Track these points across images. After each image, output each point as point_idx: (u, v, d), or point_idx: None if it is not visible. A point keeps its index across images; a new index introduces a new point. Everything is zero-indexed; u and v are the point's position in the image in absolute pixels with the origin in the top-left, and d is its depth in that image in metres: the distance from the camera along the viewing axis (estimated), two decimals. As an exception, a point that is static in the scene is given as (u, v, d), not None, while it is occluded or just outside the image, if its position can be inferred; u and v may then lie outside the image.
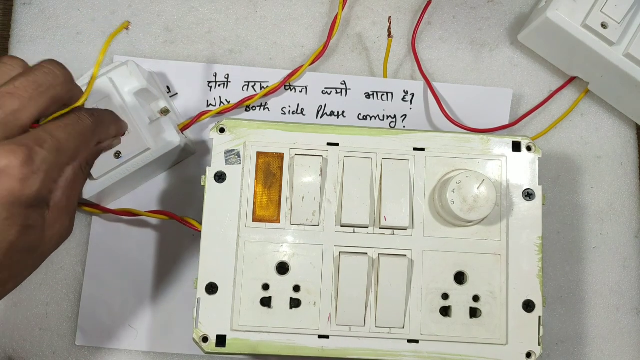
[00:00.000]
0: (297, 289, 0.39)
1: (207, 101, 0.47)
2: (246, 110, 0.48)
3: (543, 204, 0.40)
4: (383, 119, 0.48)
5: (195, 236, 0.45)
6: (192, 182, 0.46)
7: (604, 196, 0.48)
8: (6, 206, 0.29)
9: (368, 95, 0.48)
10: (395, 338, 0.39)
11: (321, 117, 0.48)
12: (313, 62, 0.46)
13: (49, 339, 0.45)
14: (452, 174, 0.39)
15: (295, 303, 0.39)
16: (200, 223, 0.39)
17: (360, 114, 0.48)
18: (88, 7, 0.48)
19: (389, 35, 0.46)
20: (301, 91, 0.48)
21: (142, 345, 0.44)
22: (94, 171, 0.41)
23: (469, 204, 0.38)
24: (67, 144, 0.32)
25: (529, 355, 0.39)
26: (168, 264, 0.45)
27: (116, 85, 0.42)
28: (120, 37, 0.48)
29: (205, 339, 0.38)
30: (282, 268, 0.39)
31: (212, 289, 0.38)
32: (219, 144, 0.40)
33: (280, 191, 0.40)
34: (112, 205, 0.45)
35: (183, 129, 0.45)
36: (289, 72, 0.47)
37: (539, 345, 0.39)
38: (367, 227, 0.40)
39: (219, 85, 0.48)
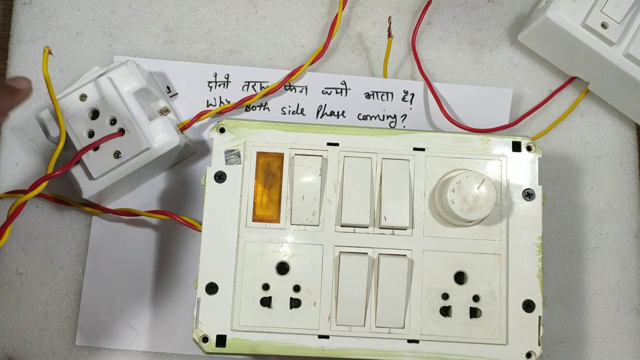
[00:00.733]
0: (297, 289, 0.39)
1: (207, 101, 0.47)
2: (246, 110, 0.48)
3: (543, 204, 0.40)
4: (383, 119, 0.48)
5: (195, 236, 0.45)
6: (192, 182, 0.46)
7: (604, 196, 0.48)
8: None
9: (368, 95, 0.48)
10: (395, 338, 0.39)
11: (321, 117, 0.48)
12: (313, 62, 0.46)
13: (49, 339, 0.45)
14: (452, 174, 0.39)
15: (295, 303, 0.39)
16: (200, 223, 0.39)
17: (360, 114, 0.48)
18: (88, 7, 0.48)
19: (389, 35, 0.46)
20: (301, 91, 0.48)
21: (142, 345, 0.44)
22: (93, 171, 0.41)
23: (469, 204, 0.38)
24: None
25: (529, 355, 0.39)
26: (168, 264, 0.45)
27: (116, 85, 0.42)
28: (121, 37, 0.48)
29: (205, 339, 0.38)
30: (282, 268, 0.39)
31: (212, 289, 0.38)
32: (219, 144, 0.40)
33: (280, 191, 0.40)
34: (112, 205, 0.45)
35: (183, 128, 0.45)
36: (289, 72, 0.47)
37: (539, 345, 0.39)
38: (367, 227, 0.40)
39: (219, 85, 0.48)
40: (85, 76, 0.44)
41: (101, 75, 0.42)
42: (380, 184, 0.40)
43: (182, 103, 0.47)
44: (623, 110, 0.49)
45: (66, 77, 0.47)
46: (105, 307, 0.45)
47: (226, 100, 0.47)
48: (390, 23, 0.46)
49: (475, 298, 0.39)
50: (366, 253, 0.39)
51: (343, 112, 0.48)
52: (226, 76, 0.48)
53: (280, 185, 0.40)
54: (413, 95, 0.48)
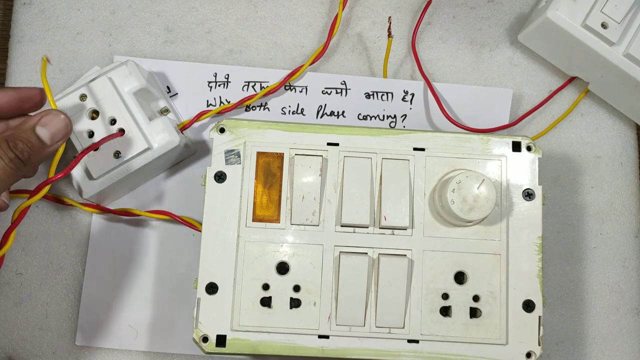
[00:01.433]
0: (297, 289, 0.39)
1: (207, 101, 0.47)
2: (246, 110, 0.48)
3: (543, 204, 0.40)
4: (383, 119, 0.48)
5: (195, 236, 0.45)
6: (192, 182, 0.46)
7: (604, 196, 0.48)
8: None
9: (368, 95, 0.48)
10: (395, 338, 0.39)
11: (321, 117, 0.48)
12: (313, 62, 0.46)
13: (49, 339, 0.45)
14: (452, 174, 0.39)
15: (295, 303, 0.39)
16: (200, 223, 0.39)
17: (360, 114, 0.48)
18: (88, 7, 0.48)
19: (389, 35, 0.46)
20: (301, 91, 0.48)
21: (142, 345, 0.44)
22: (93, 171, 0.41)
23: (469, 203, 0.38)
24: None
25: (529, 355, 0.39)
26: (168, 264, 0.45)
27: (116, 85, 0.42)
28: (121, 37, 0.48)
29: (205, 339, 0.38)
30: (282, 268, 0.39)
31: (212, 289, 0.38)
32: (219, 144, 0.40)
33: (280, 191, 0.40)
34: (112, 205, 0.45)
35: (183, 128, 0.45)
36: (289, 72, 0.47)
37: (539, 345, 0.39)
38: (367, 227, 0.40)
39: (219, 85, 0.48)
40: (85, 76, 0.44)
41: (101, 75, 0.42)
42: (380, 184, 0.40)
43: (182, 103, 0.47)
44: (623, 110, 0.49)
45: (66, 77, 0.47)
46: (105, 307, 0.45)
47: (226, 100, 0.47)
48: (390, 23, 0.46)
49: (475, 298, 0.39)
50: (366, 253, 0.39)
51: (343, 112, 0.48)
52: (226, 76, 0.48)
53: (280, 185, 0.40)
54: (413, 95, 0.48)
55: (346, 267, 0.39)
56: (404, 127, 0.48)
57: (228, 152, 0.40)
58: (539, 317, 0.39)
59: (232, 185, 0.40)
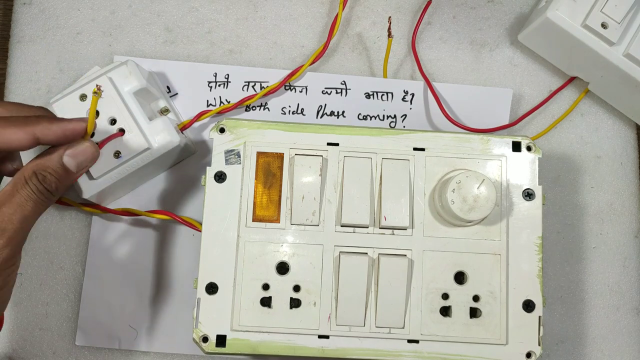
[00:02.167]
0: (297, 289, 0.39)
1: (207, 101, 0.47)
2: (246, 110, 0.48)
3: (543, 204, 0.40)
4: (383, 119, 0.48)
5: (195, 236, 0.45)
6: (192, 182, 0.46)
7: (604, 196, 0.48)
8: None
9: (368, 95, 0.48)
10: (395, 338, 0.39)
11: (321, 117, 0.48)
12: (313, 62, 0.46)
13: (49, 339, 0.45)
14: (452, 174, 0.39)
15: (295, 303, 0.39)
16: (200, 223, 0.39)
17: (360, 114, 0.48)
18: (88, 7, 0.48)
19: (389, 35, 0.46)
20: (301, 91, 0.48)
21: (142, 345, 0.44)
22: (93, 171, 0.41)
23: (469, 203, 0.38)
24: (5, 226, 0.33)
25: (529, 355, 0.39)
26: (168, 264, 0.45)
27: (116, 85, 0.42)
28: (121, 37, 0.48)
29: (205, 339, 0.38)
30: (282, 268, 0.39)
31: (212, 289, 0.38)
32: (219, 144, 0.40)
33: (280, 191, 0.40)
34: (112, 205, 0.45)
35: (183, 128, 0.45)
36: (289, 72, 0.47)
37: (539, 345, 0.39)
38: (367, 227, 0.40)
39: (219, 85, 0.48)
40: (85, 76, 0.44)
41: (101, 75, 0.42)
42: (380, 184, 0.40)
43: (182, 103, 0.47)
44: (623, 110, 0.49)
45: (66, 77, 0.47)
46: (105, 307, 0.45)
47: (226, 100, 0.47)
48: (390, 23, 0.46)
49: (475, 298, 0.39)
50: (366, 253, 0.39)
51: (343, 112, 0.48)
52: (226, 76, 0.48)
53: (280, 185, 0.40)
54: (413, 95, 0.48)
55: (346, 267, 0.39)
56: (404, 127, 0.48)
57: (228, 152, 0.40)
58: (539, 317, 0.39)
59: (232, 185, 0.40)
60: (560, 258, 0.47)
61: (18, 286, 0.45)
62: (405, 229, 0.40)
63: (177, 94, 0.47)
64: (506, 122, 0.48)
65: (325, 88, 0.48)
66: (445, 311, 0.39)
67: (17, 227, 0.33)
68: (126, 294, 0.45)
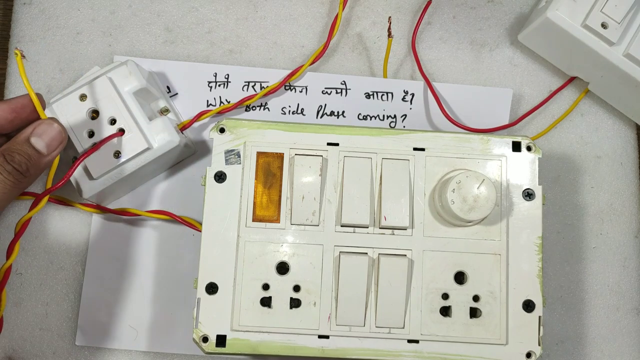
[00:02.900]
0: (297, 289, 0.39)
1: (207, 101, 0.47)
2: (246, 110, 0.48)
3: (543, 204, 0.40)
4: (383, 119, 0.48)
5: (195, 236, 0.45)
6: (192, 182, 0.46)
7: (604, 196, 0.48)
8: None
9: (368, 95, 0.48)
10: (395, 338, 0.39)
11: (321, 117, 0.48)
12: (313, 62, 0.46)
13: (49, 339, 0.45)
14: (452, 174, 0.39)
15: (295, 303, 0.39)
16: (200, 223, 0.39)
17: (360, 114, 0.48)
18: (88, 7, 0.48)
19: (389, 35, 0.46)
20: (301, 91, 0.48)
21: (142, 345, 0.44)
22: (93, 171, 0.41)
23: (469, 203, 0.38)
24: None
25: (529, 355, 0.39)
26: (168, 264, 0.45)
27: (116, 85, 0.42)
28: (121, 37, 0.48)
29: (205, 339, 0.38)
30: (282, 268, 0.39)
31: (212, 289, 0.38)
32: (219, 144, 0.40)
33: (280, 191, 0.40)
34: (112, 205, 0.45)
35: (183, 128, 0.45)
36: (289, 72, 0.47)
37: (539, 345, 0.39)
38: (367, 227, 0.40)
39: (219, 85, 0.48)
40: (85, 76, 0.44)
41: (101, 75, 0.42)
42: (380, 184, 0.40)
43: (182, 103, 0.47)
44: (623, 110, 0.49)
45: (66, 77, 0.47)
46: (105, 307, 0.45)
47: (226, 100, 0.47)
48: (390, 23, 0.46)
49: (475, 298, 0.39)
50: (366, 253, 0.39)
51: (343, 112, 0.48)
52: (226, 76, 0.48)
53: (280, 185, 0.40)
54: (413, 95, 0.48)
55: (346, 267, 0.39)
56: (404, 127, 0.48)
57: (228, 152, 0.40)
58: (539, 317, 0.39)
59: (232, 185, 0.40)
60: (560, 258, 0.47)
61: (18, 286, 0.45)
62: (405, 229, 0.40)
63: (177, 94, 0.47)
64: (506, 122, 0.48)
65: (325, 88, 0.48)
66: (445, 311, 0.39)
67: None
68: (126, 294, 0.45)
